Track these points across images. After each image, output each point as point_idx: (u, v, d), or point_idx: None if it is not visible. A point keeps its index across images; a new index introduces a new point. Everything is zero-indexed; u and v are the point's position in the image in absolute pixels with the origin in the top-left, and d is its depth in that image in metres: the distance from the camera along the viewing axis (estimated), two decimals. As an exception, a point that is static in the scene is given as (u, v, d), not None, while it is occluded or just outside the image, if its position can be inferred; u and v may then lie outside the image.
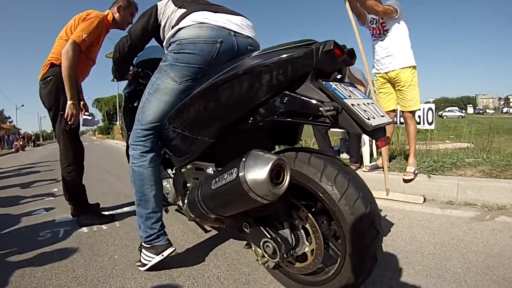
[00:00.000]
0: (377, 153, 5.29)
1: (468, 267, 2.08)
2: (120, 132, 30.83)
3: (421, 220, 3.02)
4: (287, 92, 1.54)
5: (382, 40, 4.13)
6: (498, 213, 3.04)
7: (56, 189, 5.83)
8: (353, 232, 1.48)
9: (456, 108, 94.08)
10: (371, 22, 4.22)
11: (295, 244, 1.76)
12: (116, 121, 54.50)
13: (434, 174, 3.84)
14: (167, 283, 2.16)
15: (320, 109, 1.41)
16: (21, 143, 31.76)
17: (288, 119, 1.57)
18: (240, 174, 1.52)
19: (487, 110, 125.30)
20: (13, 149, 30.56)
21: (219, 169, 1.90)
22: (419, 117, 5.55)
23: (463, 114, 67.19)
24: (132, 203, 4.30)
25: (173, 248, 2.27)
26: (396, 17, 3.95)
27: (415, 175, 3.82)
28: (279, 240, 1.73)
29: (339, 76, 1.58)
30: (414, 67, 4.04)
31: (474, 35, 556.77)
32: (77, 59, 3.12)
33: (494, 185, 3.32)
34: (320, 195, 1.56)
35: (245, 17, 2.16)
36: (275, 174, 1.50)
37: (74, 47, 3.06)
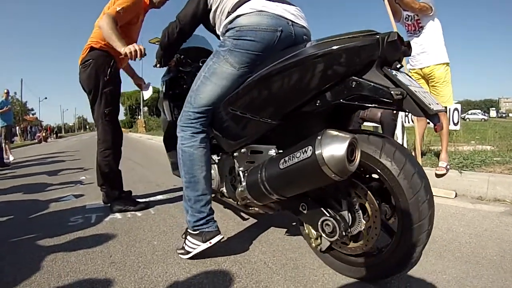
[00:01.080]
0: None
1: (503, 255, 2.14)
2: (144, 125, 31.20)
3: (455, 213, 3.07)
4: (355, 77, 1.58)
5: (417, 37, 4.21)
6: (526, 208, 3.12)
7: (84, 177, 5.76)
8: (412, 206, 1.55)
9: (479, 111, 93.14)
10: (407, 19, 4.31)
11: (352, 222, 1.78)
12: (139, 115, 55.28)
13: (464, 170, 3.88)
14: (212, 269, 2.04)
15: (392, 92, 1.47)
16: (43, 134, 32.12)
17: (355, 103, 1.62)
18: (316, 152, 1.54)
19: (510, 114, 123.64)
20: (36, 140, 30.96)
21: (280, 151, 1.94)
22: (445, 117, 5.46)
23: (486, 117, 66.29)
24: (164, 192, 4.26)
25: (222, 236, 2.16)
26: (431, 14, 4.05)
27: (447, 170, 3.86)
28: (338, 218, 1.76)
29: (398, 66, 1.67)
30: (447, 64, 4.11)
31: (498, 36, 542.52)
32: (116, 29, 2.94)
33: (522, 182, 3.38)
34: (379, 171, 1.64)
35: (297, 7, 2.13)
36: (350, 152, 1.53)
37: (108, 19, 2.90)
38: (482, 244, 2.33)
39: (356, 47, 1.56)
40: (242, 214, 3.08)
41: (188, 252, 2.15)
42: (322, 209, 1.83)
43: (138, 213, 3.29)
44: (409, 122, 5.26)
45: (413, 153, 4.29)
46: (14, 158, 10.44)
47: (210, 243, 2.10)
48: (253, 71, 1.97)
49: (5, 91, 10.84)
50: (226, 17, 2.04)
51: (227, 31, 2.03)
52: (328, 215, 1.79)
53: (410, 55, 1.98)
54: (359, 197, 1.76)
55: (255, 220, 2.93)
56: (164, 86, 3.08)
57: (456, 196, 3.58)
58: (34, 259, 2.25)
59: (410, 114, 4.79)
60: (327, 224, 1.77)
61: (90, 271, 2.04)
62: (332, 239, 1.78)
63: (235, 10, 1.99)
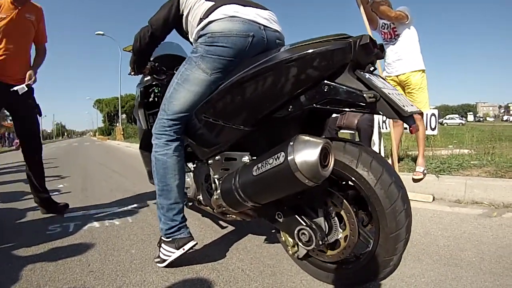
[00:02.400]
0: (385, 155, 5.38)
1: (481, 256, 2.19)
2: (122, 133, 30.88)
3: (432, 217, 3.11)
4: (327, 81, 1.59)
5: (393, 44, 4.28)
6: (504, 210, 3.18)
7: (61, 185, 5.73)
8: (389, 215, 1.56)
9: (457, 115, 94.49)
10: (383, 27, 4.37)
11: (328, 231, 1.80)
12: (117, 123, 54.76)
13: (441, 175, 3.95)
14: (190, 277, 2.06)
15: (365, 95, 1.47)
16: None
17: (327, 107, 1.63)
18: (289, 158, 1.55)
19: (487, 118, 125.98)
20: (14, 147, 30.29)
21: (254, 158, 1.95)
22: (422, 123, 5.54)
23: (463, 122, 67.43)
24: (142, 200, 4.26)
25: (195, 242, 2.19)
26: (407, 22, 4.14)
27: (424, 175, 3.93)
28: (314, 227, 1.77)
29: (372, 68, 1.70)
30: (423, 70, 4.20)
31: (474, 42, 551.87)
32: None
33: (499, 184, 3.45)
34: (356, 181, 1.65)
35: (271, 11, 2.17)
36: (323, 157, 1.56)
37: None
38: (461, 247, 2.37)
39: (328, 51, 1.57)
40: (220, 222, 3.10)
41: (164, 260, 2.16)
42: (298, 217, 1.84)
43: (116, 222, 3.30)
44: (386, 128, 5.32)
45: (389, 159, 4.38)
46: None
47: (184, 249, 2.12)
48: (226, 77, 1.98)
49: None
50: (198, 24, 2.06)
51: (199, 37, 2.04)
52: (304, 224, 1.80)
53: (383, 58, 1.97)
54: (335, 206, 1.77)
55: (233, 228, 2.97)
56: (139, 95, 3.07)
57: (433, 200, 3.65)
58: (13, 268, 2.25)
59: (387, 120, 4.91)
60: (303, 233, 1.79)
61: (69, 280, 2.05)
62: (308, 248, 1.79)
63: (207, 17, 2.01)
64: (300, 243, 1.83)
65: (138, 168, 7.64)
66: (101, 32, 34.34)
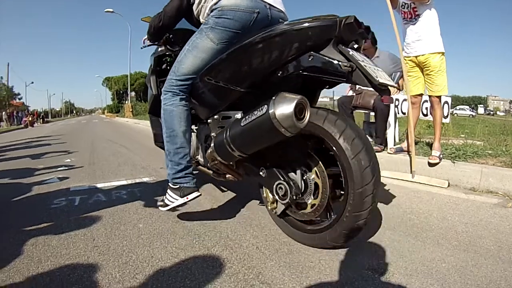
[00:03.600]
0: (399, 138, 5.34)
1: (500, 245, 2.11)
2: (131, 110, 30.96)
3: (448, 202, 3.01)
4: (313, 52, 1.83)
5: (413, 24, 4.11)
6: (519, 202, 3.07)
7: (69, 160, 5.64)
8: (354, 168, 1.76)
9: (467, 107, 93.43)
10: (403, 7, 4.19)
11: (304, 189, 2.03)
12: (126, 100, 55.03)
13: (457, 161, 3.78)
14: (201, 254, 1.95)
15: (341, 65, 1.71)
16: (30, 119, 31.87)
17: (311, 74, 1.87)
18: (270, 110, 1.79)
19: (498, 112, 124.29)
20: (22, 125, 30.66)
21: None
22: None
23: (473, 114, 66.32)
24: (150, 174, 4.16)
25: (199, 194, 2.34)
26: (428, 3, 3.97)
27: (440, 159, 3.82)
28: (291, 183, 2.02)
29: (356, 46, 1.86)
30: (442, 53, 4.02)
31: (488, 34, 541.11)
32: None
33: (515, 175, 3.36)
34: (322, 136, 1.90)
35: None
36: (299, 111, 1.78)
37: None
38: (479, 234, 2.29)
39: (317, 26, 1.81)
40: (233, 198, 3.02)
41: (167, 205, 2.34)
42: (278, 173, 2.09)
43: (124, 195, 3.19)
44: (402, 113, 5.20)
45: (405, 142, 4.39)
46: None
47: (187, 198, 2.29)
48: (230, 48, 2.20)
49: None
50: (210, 2, 2.26)
51: (211, 11, 2.25)
52: (282, 179, 2.05)
53: (367, 38, 2.25)
54: (316, 175, 1.99)
55: (247, 203, 2.86)
56: (152, 63, 3.24)
57: (449, 185, 3.52)
58: (14, 243, 2.14)
59: (403, 103, 4.93)
60: (280, 188, 2.05)
61: (72, 256, 1.94)
62: (284, 202, 2.05)
63: None
64: (277, 197, 2.10)
65: (146, 143, 7.57)
66: (111, 10, 34.05)
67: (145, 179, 3.91)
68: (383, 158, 4.14)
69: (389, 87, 1.80)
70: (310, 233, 2.04)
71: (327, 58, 1.78)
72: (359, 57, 1.76)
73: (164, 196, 2.38)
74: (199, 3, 2.38)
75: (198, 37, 2.30)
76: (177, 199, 2.30)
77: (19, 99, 62.34)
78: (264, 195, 2.35)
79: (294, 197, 2.00)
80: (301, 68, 1.89)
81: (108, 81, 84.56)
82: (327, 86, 2.21)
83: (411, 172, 3.74)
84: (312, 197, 2.02)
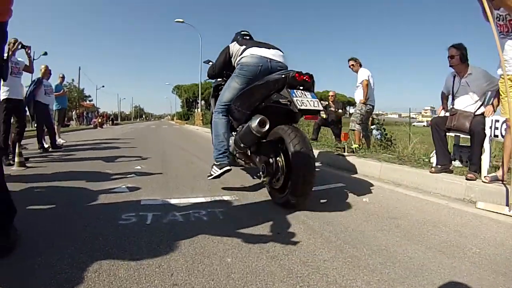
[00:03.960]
0: (491, 164, 4.87)
1: None
2: (201, 118, 31.37)
3: None
4: (276, 93, 3.41)
5: (510, 39, 3.83)
6: None
7: (139, 167, 5.47)
8: (296, 164, 3.10)
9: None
10: (498, 19, 3.93)
11: (275, 169, 3.44)
12: (195, 108, 56.70)
13: None
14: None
15: (283, 99, 3.32)
16: (99, 120, 33.42)
17: (275, 105, 3.43)
18: (250, 122, 3.45)
19: None
20: (92, 125, 31.97)
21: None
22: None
23: None
24: (231, 192, 3.89)
25: (230, 167, 3.82)
26: None
27: None
28: (270, 165, 3.50)
29: (301, 87, 3.39)
30: None
31: None
32: None
33: None
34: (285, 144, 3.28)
35: (278, 49, 3.97)
36: (261, 123, 3.34)
37: None
38: None
39: (280, 79, 3.39)
40: (330, 231, 2.68)
41: (211, 175, 3.84)
42: (264, 159, 3.59)
43: (204, 216, 2.89)
44: (501, 136, 4.64)
45: (500, 170, 4.08)
46: (66, 141, 10.67)
47: (223, 170, 3.76)
48: (247, 87, 3.74)
49: (60, 75, 11.20)
50: (237, 59, 3.89)
51: (237, 65, 3.89)
52: (266, 162, 3.54)
53: (308, 86, 3.46)
54: (279, 155, 3.41)
55: (349, 240, 2.45)
56: (212, 89, 5.02)
57: None
58: (73, 266, 1.87)
59: (499, 128, 4.66)
60: (265, 167, 3.52)
61: (145, 294, 1.60)
62: (267, 177, 3.51)
63: (240, 54, 3.84)
64: (263, 174, 3.55)
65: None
66: (181, 20, 34.85)
67: (225, 197, 3.59)
68: (477, 187, 3.83)
69: (320, 110, 3.39)
70: (282, 196, 3.30)
71: (280, 96, 3.35)
72: (298, 93, 3.27)
73: (211, 170, 3.88)
74: (234, 59, 4.00)
75: (230, 80, 3.90)
76: (217, 171, 3.78)
77: (90, 100, 66.22)
78: (260, 173, 3.61)
79: (272, 172, 3.45)
80: (271, 101, 3.46)
81: (178, 89, 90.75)
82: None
83: (507, 205, 3.37)
84: (281, 174, 3.35)
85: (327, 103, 10.86)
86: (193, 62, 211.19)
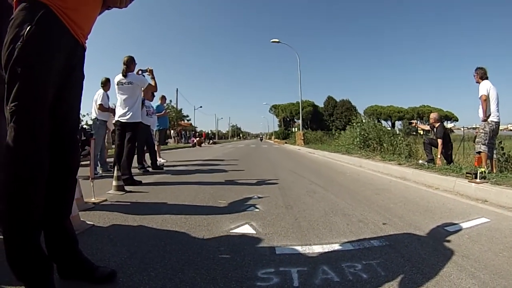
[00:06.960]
0: None
1: None
2: (302, 138, 31.06)
3: None
4: None
5: None
6: None
7: (255, 196, 4.87)
8: None
9: None
10: None
11: None
12: (293, 127, 58.05)
13: None
14: None
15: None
16: (198, 139, 35.29)
17: None
18: None
19: None
20: (190, 144, 33.33)
21: None
22: None
23: None
24: (377, 234, 3.06)
25: None
26: None
27: None
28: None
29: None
30: None
31: None
32: None
33: None
34: None
35: None
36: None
37: None
38: None
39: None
40: None
41: None
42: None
43: (362, 272, 2.21)
44: None
45: None
46: (167, 160, 11.07)
47: None
48: None
49: (161, 96, 11.70)
50: None
51: None
52: None
53: None
54: None
55: None
56: None
57: None
58: None
59: None
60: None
61: None
62: None
63: None
64: None
65: (338, 180, 6.66)
66: (277, 40, 35.29)
67: (374, 243, 2.83)
68: None
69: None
70: None
71: None
72: None
73: None
74: None
75: None
76: None
77: (187, 120, 69.24)
78: None
79: None
80: None
81: (275, 108, 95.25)
82: None
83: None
84: None
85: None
86: (290, 81, 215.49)
